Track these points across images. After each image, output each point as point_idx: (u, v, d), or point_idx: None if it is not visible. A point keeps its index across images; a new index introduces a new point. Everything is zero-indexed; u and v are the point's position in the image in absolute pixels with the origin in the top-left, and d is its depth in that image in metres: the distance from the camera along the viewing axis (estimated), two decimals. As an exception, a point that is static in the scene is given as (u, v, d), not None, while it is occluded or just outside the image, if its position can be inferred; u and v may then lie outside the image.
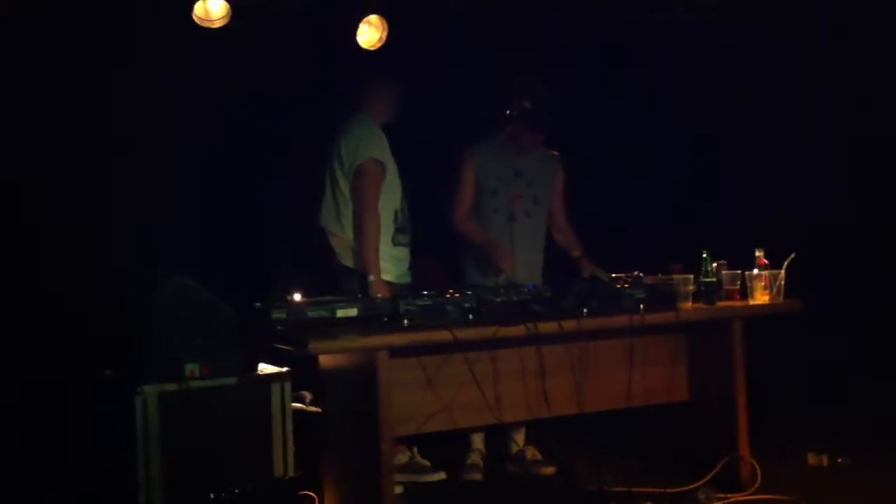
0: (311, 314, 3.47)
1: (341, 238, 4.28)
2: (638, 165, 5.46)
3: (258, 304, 3.52)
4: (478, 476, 4.44)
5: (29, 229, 4.33)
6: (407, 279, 4.36)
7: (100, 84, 4.45)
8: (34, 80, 4.31)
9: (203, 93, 4.60)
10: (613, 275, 4.10)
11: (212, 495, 3.46)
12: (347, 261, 4.26)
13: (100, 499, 3.67)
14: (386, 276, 4.22)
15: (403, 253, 4.35)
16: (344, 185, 4.27)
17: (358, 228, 4.21)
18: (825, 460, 4.45)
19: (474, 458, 4.51)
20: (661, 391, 4.18)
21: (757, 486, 4.06)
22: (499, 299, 3.70)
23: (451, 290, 3.69)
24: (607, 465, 4.40)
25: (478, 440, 4.53)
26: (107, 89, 4.46)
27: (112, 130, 4.48)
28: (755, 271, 4.11)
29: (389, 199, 4.28)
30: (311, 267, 4.29)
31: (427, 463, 4.43)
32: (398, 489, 4.13)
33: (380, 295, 3.88)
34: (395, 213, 4.30)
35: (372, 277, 4.04)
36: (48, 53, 4.34)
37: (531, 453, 4.59)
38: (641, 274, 4.02)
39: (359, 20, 4.74)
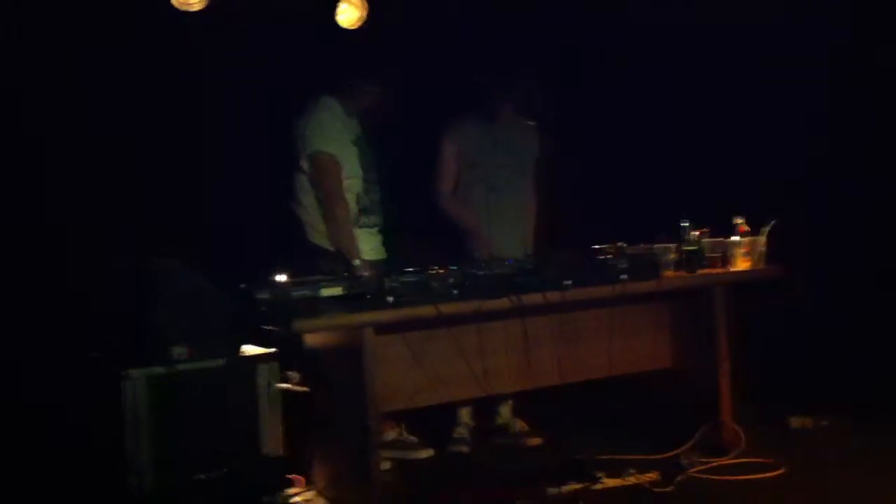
0: (296, 294, 3.45)
1: (309, 219, 4.28)
2: (622, 138, 5.47)
3: (243, 286, 3.51)
4: (465, 449, 4.48)
5: (16, 213, 4.28)
6: (381, 256, 4.37)
7: (77, 67, 4.40)
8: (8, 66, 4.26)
9: (179, 76, 4.55)
10: (597, 245, 4.12)
11: (202, 476, 3.47)
12: (320, 241, 4.27)
13: (90, 482, 3.66)
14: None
15: (368, 234, 4.36)
16: (299, 171, 4.27)
17: (328, 218, 4.23)
18: (808, 423, 4.52)
19: (461, 431, 4.54)
20: (645, 359, 4.22)
21: (740, 450, 4.10)
22: (482, 273, 3.70)
23: (435, 266, 3.70)
24: (593, 435, 4.48)
25: (465, 414, 4.56)
26: (84, 73, 4.41)
27: (94, 116, 4.43)
28: (736, 238, 4.14)
29: (349, 184, 4.28)
30: (293, 249, 4.27)
31: (415, 439, 4.46)
32: (386, 466, 4.16)
33: (362, 273, 3.88)
34: (357, 195, 4.31)
35: (357, 262, 4.04)
36: (24, 37, 4.28)
37: (517, 425, 4.64)
38: (625, 244, 4.04)
39: None
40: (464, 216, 4.55)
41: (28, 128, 4.32)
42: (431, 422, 4.43)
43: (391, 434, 4.39)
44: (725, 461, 4.03)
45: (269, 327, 3.53)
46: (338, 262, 4.01)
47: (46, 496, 3.75)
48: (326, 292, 3.50)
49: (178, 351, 3.60)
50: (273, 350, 3.81)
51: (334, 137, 4.24)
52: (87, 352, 3.72)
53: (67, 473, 3.70)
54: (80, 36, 4.39)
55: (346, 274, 3.63)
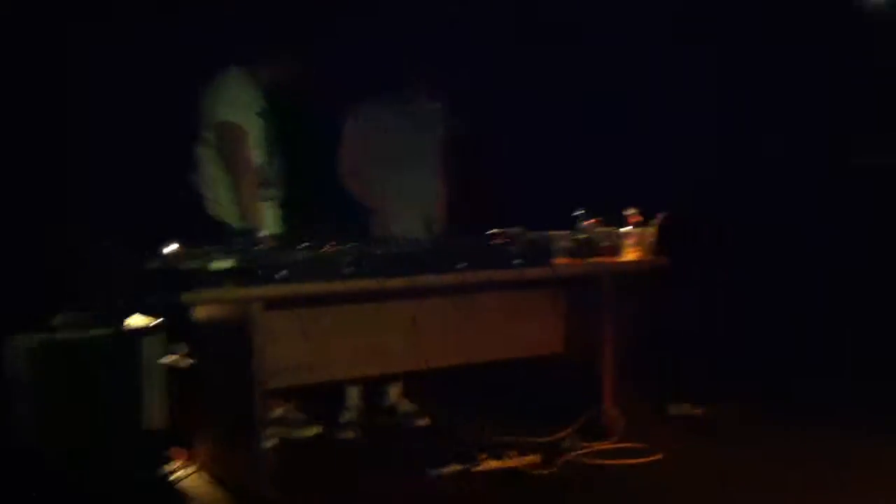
0: (186, 265, 3.38)
1: (210, 192, 4.19)
2: (524, 125, 5.52)
3: (132, 255, 3.42)
4: (351, 434, 4.46)
5: None
6: (280, 230, 4.29)
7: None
8: None
9: (83, 41, 4.39)
10: (494, 230, 4.15)
11: (78, 447, 3.38)
12: (221, 214, 4.17)
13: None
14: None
15: (269, 208, 4.29)
16: (203, 142, 4.18)
17: (235, 188, 4.13)
18: (686, 411, 4.66)
19: (349, 415, 4.53)
20: (536, 343, 4.28)
21: (620, 435, 4.20)
22: (379, 252, 3.69)
23: (331, 242, 3.66)
24: (482, 417, 4.52)
25: (353, 395, 4.55)
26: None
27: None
28: (626, 229, 4.23)
29: (253, 155, 4.19)
30: (193, 220, 4.17)
31: (303, 417, 4.43)
32: (272, 442, 4.12)
33: (260, 246, 3.82)
34: (259, 167, 4.22)
35: (263, 233, 3.98)
36: None
37: (406, 406, 4.65)
38: (519, 229, 4.09)
39: None
40: (365, 194, 4.52)
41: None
42: (320, 399, 4.41)
43: (278, 410, 4.35)
44: (605, 446, 4.12)
45: (157, 299, 3.44)
46: (240, 235, 3.94)
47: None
48: (217, 265, 3.42)
49: (61, 319, 3.49)
50: (160, 322, 3.72)
51: (241, 108, 4.16)
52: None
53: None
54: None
55: (243, 247, 3.58)
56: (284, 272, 3.49)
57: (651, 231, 4.24)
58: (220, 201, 4.17)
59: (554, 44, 5.46)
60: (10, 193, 4.18)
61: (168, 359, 3.85)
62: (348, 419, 4.51)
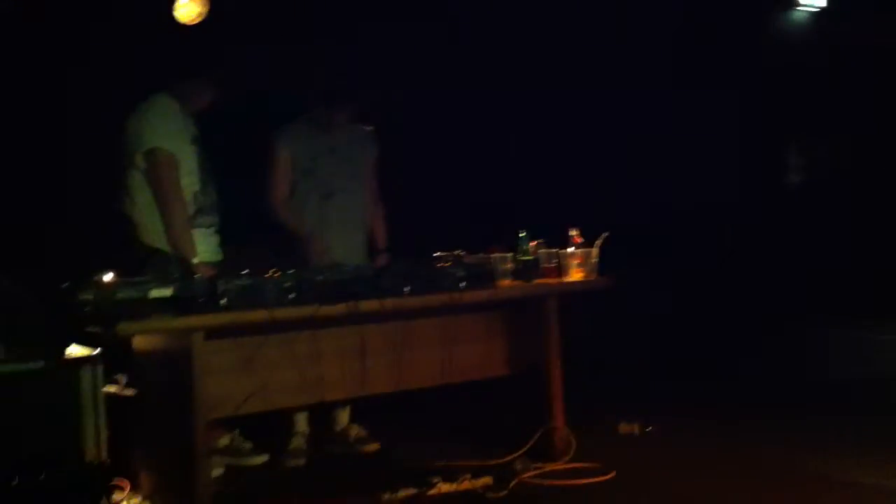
0: (122, 294, 3.32)
1: (142, 219, 4.14)
2: (463, 149, 5.53)
3: (65, 285, 3.38)
4: (301, 461, 4.42)
5: None
6: (217, 257, 4.27)
7: None
8: None
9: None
10: (436, 254, 4.15)
11: (15, 481, 3.32)
12: (153, 241, 4.12)
13: None
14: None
15: (205, 235, 4.24)
16: (133, 169, 4.12)
17: (165, 215, 4.09)
18: (636, 429, 4.68)
19: (297, 442, 4.49)
20: (481, 367, 4.25)
21: (571, 455, 4.21)
22: (320, 279, 3.66)
23: (271, 270, 3.64)
24: (431, 440, 4.51)
25: (301, 422, 4.51)
26: None
27: None
28: (570, 249, 4.24)
29: (187, 183, 4.16)
30: (123, 249, 4.13)
31: (249, 445, 4.38)
32: (219, 472, 4.08)
33: (198, 275, 3.79)
34: (194, 195, 4.19)
35: (196, 260, 3.95)
36: None
37: (354, 432, 4.62)
38: (463, 253, 4.09)
39: None
40: (298, 224, 4.49)
41: None
42: (268, 426, 4.37)
43: (224, 439, 4.31)
44: (557, 466, 4.12)
45: (93, 329, 3.40)
46: (174, 263, 3.90)
47: None
48: (155, 294, 3.38)
49: (-3, 351, 3.44)
50: (97, 352, 3.68)
51: (172, 135, 4.12)
52: None
53: None
54: None
55: (179, 275, 3.54)
56: (225, 300, 3.47)
57: (595, 251, 4.25)
58: (151, 227, 4.12)
59: (480, 57, 5.47)
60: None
61: (109, 389, 3.81)
62: (296, 446, 4.47)
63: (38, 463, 3.47)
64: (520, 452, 4.16)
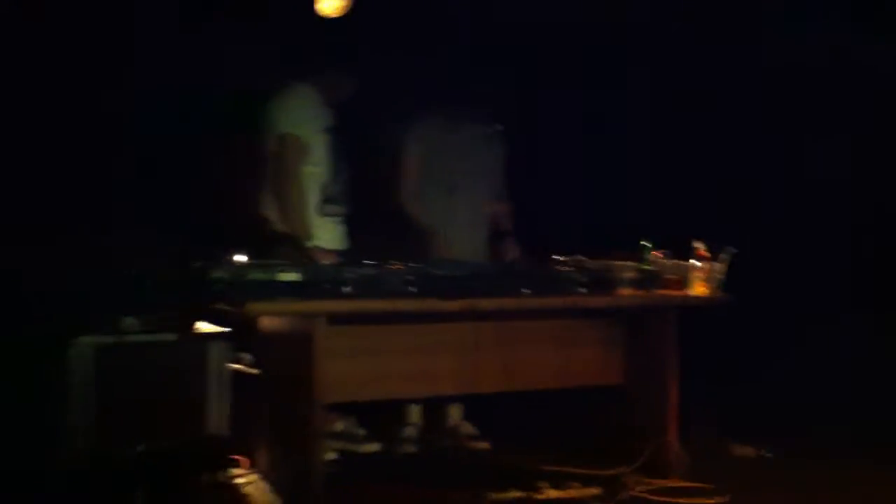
0: (252, 276, 3.46)
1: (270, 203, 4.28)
2: (590, 152, 5.51)
3: (199, 264, 3.53)
4: (411, 448, 4.49)
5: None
6: (342, 246, 4.37)
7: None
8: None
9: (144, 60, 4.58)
10: (556, 257, 4.16)
11: (140, 448, 3.49)
12: (277, 225, 4.26)
13: (29, 448, 3.66)
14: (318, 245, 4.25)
15: (331, 224, 4.36)
16: (268, 154, 4.27)
17: (280, 197, 4.22)
18: (750, 451, 4.56)
19: (409, 431, 4.56)
20: (595, 374, 4.23)
21: (683, 473, 4.13)
22: (440, 273, 3.73)
23: (394, 261, 3.72)
24: (540, 445, 4.51)
25: (414, 413, 4.58)
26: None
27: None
28: (695, 263, 4.18)
29: (315, 171, 4.29)
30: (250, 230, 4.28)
31: (362, 432, 4.48)
32: (331, 456, 4.18)
33: (326, 261, 3.91)
34: (323, 183, 4.31)
35: (309, 244, 4.06)
36: None
37: (466, 428, 4.66)
38: (584, 258, 4.08)
39: None
40: (422, 217, 4.56)
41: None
42: (381, 417, 4.46)
43: (339, 425, 4.41)
44: (667, 483, 4.05)
45: (223, 307, 3.54)
46: (290, 244, 4.02)
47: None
48: (283, 277, 3.50)
49: (129, 322, 3.62)
50: (226, 330, 3.83)
51: (304, 122, 4.25)
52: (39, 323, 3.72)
53: (7, 438, 3.70)
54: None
55: (303, 259, 3.66)
56: (348, 288, 3.57)
57: (721, 267, 4.18)
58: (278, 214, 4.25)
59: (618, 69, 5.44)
60: (81, 198, 4.35)
61: (233, 366, 3.96)
62: (408, 436, 4.54)
63: (163, 431, 3.64)
64: (633, 466, 4.10)
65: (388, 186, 4.61)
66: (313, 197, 4.30)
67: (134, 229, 3.79)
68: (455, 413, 4.67)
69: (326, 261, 3.93)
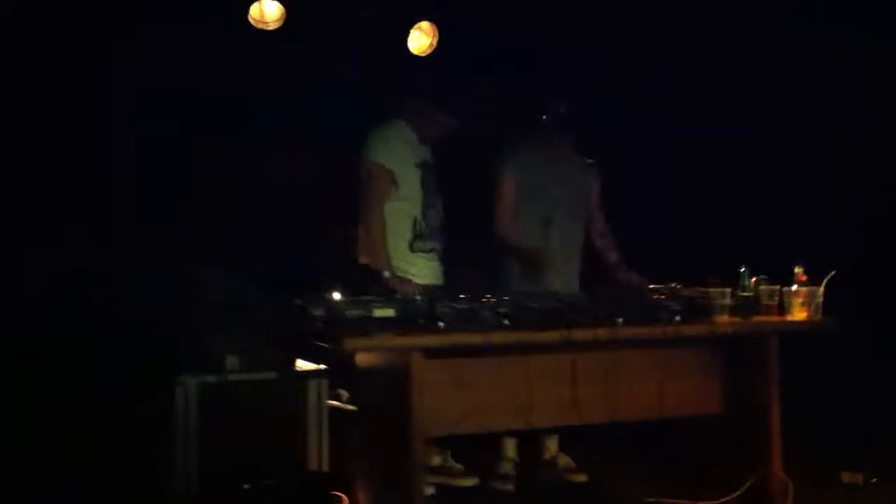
0: (349, 312, 3.52)
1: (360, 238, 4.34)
2: (678, 179, 5.46)
3: (298, 302, 3.60)
4: (509, 486, 4.46)
5: (71, 228, 4.42)
6: (437, 281, 4.39)
7: (171, 84, 4.56)
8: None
9: (253, 95, 4.70)
10: (651, 286, 4.12)
11: (245, 486, 3.55)
12: (365, 259, 4.32)
13: (134, 486, 3.76)
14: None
15: (425, 259, 4.38)
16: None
17: (363, 228, 4.28)
18: (860, 479, 4.43)
19: (506, 467, 4.53)
20: (694, 403, 4.15)
21: (789, 502, 4.03)
22: (535, 305, 3.73)
23: (486, 295, 3.74)
24: (638, 476, 4.44)
25: (510, 447, 4.56)
26: (174, 88, 4.57)
27: (176, 130, 4.58)
28: (794, 287, 4.09)
29: (406, 206, 4.33)
30: (345, 266, 4.34)
31: (460, 467, 4.47)
32: (429, 491, 4.18)
33: (406, 291, 3.96)
34: (414, 220, 4.34)
35: (386, 274, 4.11)
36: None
37: (563, 461, 4.62)
38: (678, 285, 4.03)
39: (410, 26, 4.80)
40: (525, 247, 4.51)
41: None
42: (477, 450, 4.45)
43: (436, 459, 4.42)
44: (773, 513, 3.97)
45: (322, 343, 3.60)
46: (368, 277, 4.06)
47: (95, 498, 3.84)
48: (379, 313, 3.55)
49: (231, 361, 3.70)
50: (324, 367, 3.88)
51: (395, 155, 4.31)
52: (143, 362, 3.84)
53: (115, 475, 3.80)
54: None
55: (401, 297, 3.70)
56: (442, 322, 3.59)
57: (820, 291, 4.09)
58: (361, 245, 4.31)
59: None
60: (184, 239, 4.47)
61: (331, 403, 4.01)
62: (505, 471, 4.52)
63: (265, 469, 3.70)
64: (736, 494, 4.02)
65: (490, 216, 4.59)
66: (405, 231, 4.34)
67: (233, 268, 3.87)
68: (552, 445, 4.64)
69: (407, 290, 3.95)
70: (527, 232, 4.53)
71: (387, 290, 3.83)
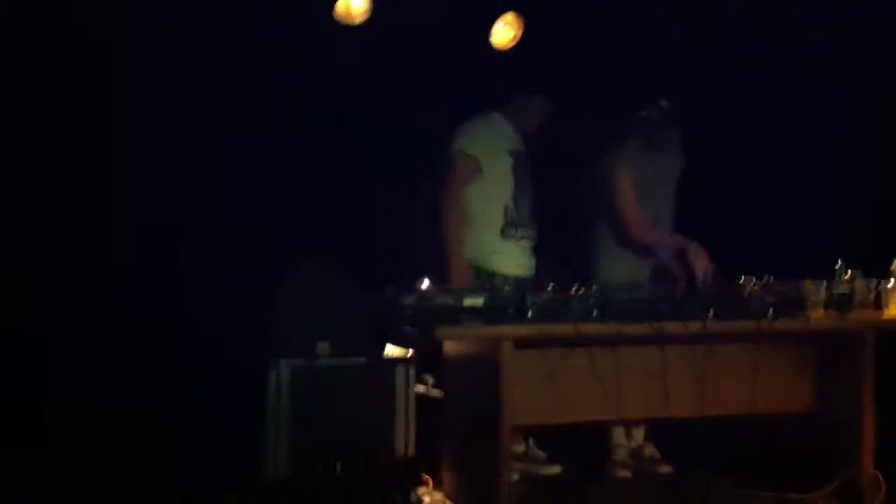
0: (439, 301, 3.55)
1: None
2: (772, 171, 5.36)
3: (388, 290, 3.64)
4: (627, 473, 4.47)
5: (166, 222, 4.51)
6: (525, 272, 4.39)
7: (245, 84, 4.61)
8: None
9: (337, 92, 4.73)
10: (744, 278, 4.06)
11: (338, 468, 3.62)
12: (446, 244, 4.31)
13: (227, 469, 3.85)
14: (498, 269, 4.31)
15: (516, 247, 4.37)
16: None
17: (440, 213, 4.28)
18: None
19: (621, 454, 4.53)
20: (785, 400, 4.10)
21: (880, 501, 3.96)
22: (624, 297, 3.71)
23: (576, 287, 3.73)
24: (723, 470, 4.40)
25: (619, 434, 4.55)
26: (249, 87, 4.63)
27: (250, 125, 4.64)
28: (892, 282, 4.00)
29: (498, 194, 4.32)
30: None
31: (543, 455, 4.49)
32: (514, 477, 4.20)
33: (465, 278, 4.01)
34: (506, 207, 4.33)
35: (453, 260, 4.12)
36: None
37: (649, 451, 4.60)
38: (772, 279, 3.97)
39: (494, 19, 4.76)
40: (662, 238, 4.47)
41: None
42: (559, 438, 4.45)
43: (520, 447, 4.44)
44: (864, 512, 3.91)
45: (412, 332, 3.64)
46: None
47: (188, 479, 3.94)
48: (468, 302, 3.58)
49: (322, 347, 3.77)
50: (412, 353, 3.93)
51: (485, 143, 4.31)
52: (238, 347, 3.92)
53: (207, 457, 3.89)
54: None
55: (492, 286, 3.71)
56: (531, 313, 3.60)
57: (920, 285, 3.98)
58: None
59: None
60: (275, 230, 4.52)
61: (419, 388, 4.05)
62: (621, 458, 4.52)
63: (354, 451, 3.77)
64: (825, 489, 3.96)
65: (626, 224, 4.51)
66: (496, 218, 4.33)
67: (324, 257, 3.92)
68: (639, 435, 4.62)
69: (466, 277, 4.01)
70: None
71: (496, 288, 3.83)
